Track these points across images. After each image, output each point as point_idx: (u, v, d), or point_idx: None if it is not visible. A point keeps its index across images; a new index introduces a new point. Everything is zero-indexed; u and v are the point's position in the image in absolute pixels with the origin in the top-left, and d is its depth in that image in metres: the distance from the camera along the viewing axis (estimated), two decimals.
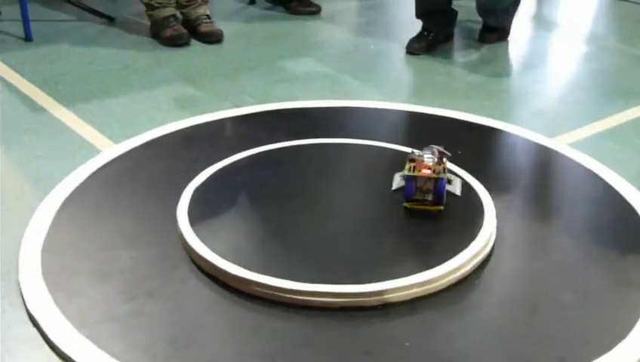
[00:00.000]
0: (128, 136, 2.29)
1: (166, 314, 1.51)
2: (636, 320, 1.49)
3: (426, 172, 1.83)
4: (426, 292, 1.56)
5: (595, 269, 1.66)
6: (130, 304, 1.53)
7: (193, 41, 3.26)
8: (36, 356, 1.42)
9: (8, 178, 2.08)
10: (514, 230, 1.81)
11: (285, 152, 2.16)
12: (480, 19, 3.32)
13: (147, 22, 3.34)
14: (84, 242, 1.75)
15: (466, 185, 1.95)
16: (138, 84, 2.81)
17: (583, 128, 2.41)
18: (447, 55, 3.15)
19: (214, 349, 1.42)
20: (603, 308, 1.54)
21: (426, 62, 3.07)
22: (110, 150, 2.20)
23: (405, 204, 1.85)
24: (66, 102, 2.59)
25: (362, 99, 2.64)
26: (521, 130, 2.36)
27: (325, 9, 3.78)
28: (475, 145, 2.25)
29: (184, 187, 1.93)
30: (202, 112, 2.49)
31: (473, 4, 3.28)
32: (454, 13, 3.27)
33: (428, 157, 1.86)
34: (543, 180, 2.09)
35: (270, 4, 3.85)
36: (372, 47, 3.28)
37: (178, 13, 3.32)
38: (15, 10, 3.29)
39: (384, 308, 1.52)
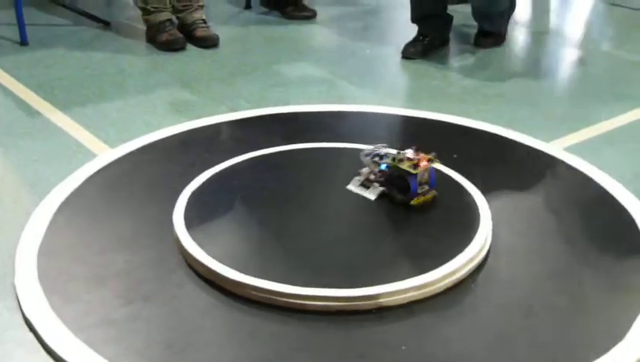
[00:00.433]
0: (124, 141, 2.29)
1: (163, 318, 1.51)
2: (632, 323, 1.49)
3: (425, 164, 1.85)
4: (422, 296, 1.56)
5: (591, 273, 1.67)
6: (126, 308, 1.53)
7: (189, 46, 3.27)
8: (32, 360, 1.42)
9: (4, 182, 2.08)
10: (510, 234, 1.81)
11: (281, 156, 2.16)
12: (475, 23, 3.33)
13: (143, 26, 3.34)
14: (81, 246, 1.75)
15: (461, 189, 1.96)
16: (134, 88, 2.81)
17: (579, 132, 2.42)
18: (442, 60, 3.16)
19: (211, 353, 1.42)
20: (598, 311, 1.55)
21: (421, 66, 3.08)
22: (106, 154, 2.20)
23: (413, 203, 1.86)
24: (62, 106, 2.58)
25: (358, 103, 2.64)
26: (516, 134, 2.36)
27: (321, 14, 3.78)
28: (470, 150, 2.26)
29: (180, 191, 1.93)
30: (198, 117, 2.49)
31: (469, 9, 3.29)
32: (450, 18, 3.28)
33: (409, 152, 1.89)
34: (538, 184, 2.10)
35: (266, 9, 3.86)
36: (368, 51, 3.29)
37: (174, 18, 3.32)
38: (10, 15, 3.29)
39: (380, 312, 1.52)
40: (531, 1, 4.24)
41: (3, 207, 1.94)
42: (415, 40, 3.19)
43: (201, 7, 3.37)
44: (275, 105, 2.62)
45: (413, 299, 1.55)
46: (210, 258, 1.63)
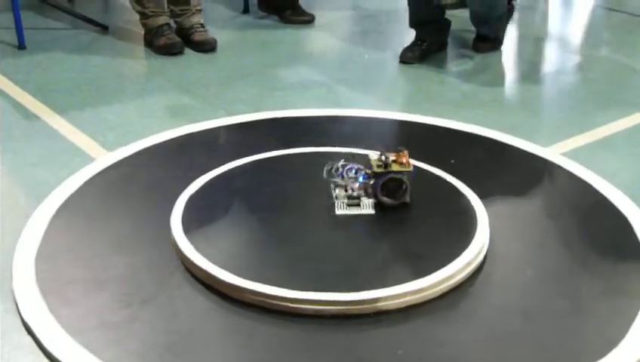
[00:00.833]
0: (122, 144, 2.29)
1: (161, 321, 1.51)
2: (628, 328, 1.49)
3: (407, 159, 1.87)
4: (419, 300, 1.56)
5: (588, 277, 1.67)
6: (125, 311, 1.53)
7: (187, 50, 3.27)
8: None
9: (2, 185, 2.08)
10: (507, 238, 1.82)
11: (279, 161, 2.16)
12: (473, 28, 3.33)
13: (141, 30, 3.34)
14: (79, 249, 1.75)
15: (459, 193, 1.96)
16: (132, 92, 2.81)
17: (577, 137, 2.42)
18: (440, 64, 3.16)
19: (209, 356, 1.42)
20: (596, 315, 1.55)
21: (419, 71, 3.08)
22: (104, 158, 2.20)
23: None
24: (60, 110, 2.59)
25: (356, 107, 2.64)
26: (514, 139, 2.36)
27: (319, 18, 3.78)
28: (468, 154, 2.26)
29: (178, 195, 1.93)
30: (196, 121, 2.49)
31: (466, 14, 3.29)
32: (448, 23, 3.28)
33: (386, 155, 1.87)
34: (535, 189, 2.10)
35: (264, 13, 3.86)
36: (366, 56, 3.29)
37: (172, 22, 3.33)
38: (8, 18, 3.28)
39: (377, 316, 1.53)
40: (529, 6, 4.24)
41: (1, 210, 1.94)
42: (413, 45, 3.19)
43: (199, 11, 3.37)
44: (273, 109, 2.62)
45: (410, 303, 1.55)
46: (208, 262, 1.63)
